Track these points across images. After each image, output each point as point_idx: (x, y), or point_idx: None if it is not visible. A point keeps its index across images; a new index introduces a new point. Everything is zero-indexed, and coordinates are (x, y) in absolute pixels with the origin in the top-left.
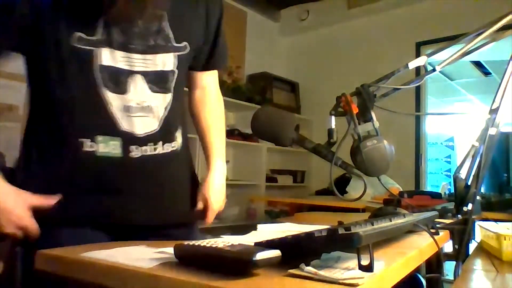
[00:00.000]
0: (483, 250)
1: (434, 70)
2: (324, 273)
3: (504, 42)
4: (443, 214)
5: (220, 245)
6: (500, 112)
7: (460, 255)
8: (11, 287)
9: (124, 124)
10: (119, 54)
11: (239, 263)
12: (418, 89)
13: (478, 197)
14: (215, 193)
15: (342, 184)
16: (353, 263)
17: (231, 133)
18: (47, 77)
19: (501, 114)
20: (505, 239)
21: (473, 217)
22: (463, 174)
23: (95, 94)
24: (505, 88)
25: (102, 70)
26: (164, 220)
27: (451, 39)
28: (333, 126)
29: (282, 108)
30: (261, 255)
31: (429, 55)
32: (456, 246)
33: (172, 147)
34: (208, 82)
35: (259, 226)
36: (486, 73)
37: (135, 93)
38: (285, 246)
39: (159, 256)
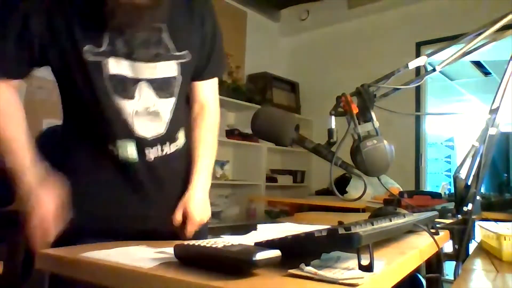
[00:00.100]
0: (483, 250)
1: (434, 70)
2: (324, 273)
3: (504, 42)
4: (443, 214)
5: (220, 245)
6: (500, 112)
7: (460, 255)
8: (11, 287)
9: (137, 128)
10: (125, 63)
11: (239, 263)
12: (418, 89)
13: (478, 197)
14: (197, 205)
15: (342, 184)
16: (353, 263)
17: (231, 133)
18: (72, 86)
19: (501, 114)
20: (505, 239)
21: (473, 217)
22: (463, 174)
23: (108, 100)
24: (505, 88)
25: (111, 78)
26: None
27: (451, 39)
28: (333, 126)
29: (282, 108)
30: (261, 255)
31: (429, 55)
32: (456, 246)
33: (176, 146)
34: (207, 96)
35: (259, 226)
36: (486, 73)
37: (142, 99)
38: (285, 246)
39: (159, 256)
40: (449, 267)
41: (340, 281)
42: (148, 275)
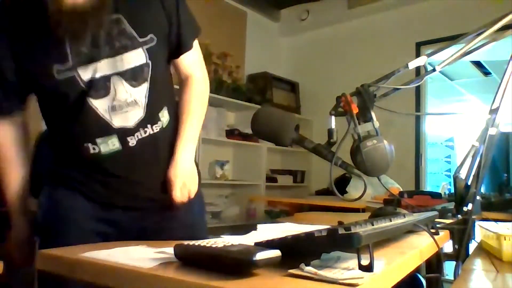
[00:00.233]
0: (483, 250)
1: (434, 70)
2: (324, 273)
3: (504, 42)
4: (443, 214)
5: (220, 245)
6: (500, 112)
7: (460, 255)
8: (11, 287)
9: (115, 122)
10: (93, 65)
11: (239, 263)
12: (418, 89)
13: (478, 197)
14: (180, 171)
15: (342, 184)
16: (353, 263)
17: (231, 133)
18: (47, 99)
19: (501, 114)
20: (505, 239)
21: (473, 217)
22: (463, 174)
23: (84, 104)
24: (505, 88)
25: (84, 84)
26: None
27: (451, 39)
28: (333, 126)
29: (282, 108)
30: (261, 255)
31: (429, 55)
32: (456, 246)
33: (159, 126)
34: (188, 67)
35: (259, 226)
36: (486, 73)
37: (117, 93)
38: (285, 246)
39: (159, 256)
40: (449, 267)
41: (340, 281)
42: (148, 275)
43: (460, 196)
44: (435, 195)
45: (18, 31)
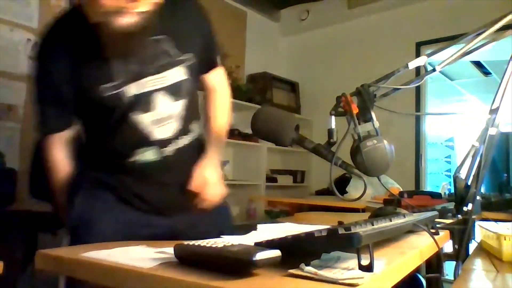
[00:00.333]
0: (483, 250)
1: (434, 70)
2: (324, 273)
3: (504, 42)
4: (443, 214)
5: (220, 245)
6: (500, 112)
7: (460, 255)
8: (11, 287)
9: (156, 134)
10: (139, 82)
11: (239, 263)
12: (418, 89)
13: (478, 197)
14: (209, 176)
15: (342, 184)
16: (353, 263)
17: (231, 133)
18: (91, 116)
19: (501, 114)
20: (505, 239)
21: (473, 217)
22: (463, 174)
23: (127, 118)
24: (505, 88)
25: (130, 100)
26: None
27: (451, 39)
28: (333, 126)
29: (282, 108)
30: (261, 255)
31: (429, 55)
32: (456, 246)
33: (191, 137)
34: (214, 81)
35: (259, 226)
36: (486, 73)
37: (161, 107)
38: (285, 246)
39: (159, 256)
40: (449, 267)
41: (340, 281)
42: (148, 275)
43: (460, 196)
44: (435, 195)
45: (74, 52)
